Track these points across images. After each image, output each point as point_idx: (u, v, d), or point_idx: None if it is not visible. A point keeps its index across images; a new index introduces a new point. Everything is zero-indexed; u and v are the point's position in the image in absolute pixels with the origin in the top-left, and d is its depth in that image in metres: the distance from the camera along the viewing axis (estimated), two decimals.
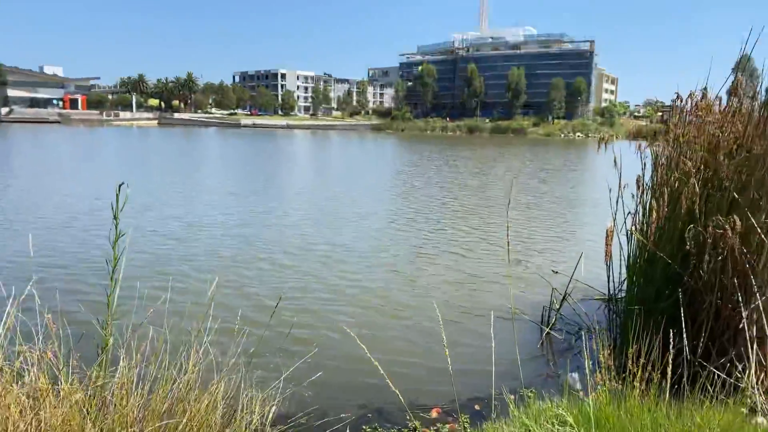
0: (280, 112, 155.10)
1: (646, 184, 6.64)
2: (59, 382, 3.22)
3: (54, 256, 10.64)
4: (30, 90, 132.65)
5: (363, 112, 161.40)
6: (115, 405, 3.15)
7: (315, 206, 18.85)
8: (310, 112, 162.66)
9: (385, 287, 9.66)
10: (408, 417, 5.02)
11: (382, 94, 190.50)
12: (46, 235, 12.55)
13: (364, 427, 5.00)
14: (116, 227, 3.43)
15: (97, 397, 3.26)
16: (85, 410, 3.05)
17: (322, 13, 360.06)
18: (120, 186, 3.34)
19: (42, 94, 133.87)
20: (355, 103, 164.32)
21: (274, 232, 14.07)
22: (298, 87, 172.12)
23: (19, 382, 3.06)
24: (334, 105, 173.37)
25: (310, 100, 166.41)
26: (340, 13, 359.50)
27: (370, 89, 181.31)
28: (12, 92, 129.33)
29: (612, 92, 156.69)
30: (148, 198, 18.60)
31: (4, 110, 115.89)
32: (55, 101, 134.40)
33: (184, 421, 3.14)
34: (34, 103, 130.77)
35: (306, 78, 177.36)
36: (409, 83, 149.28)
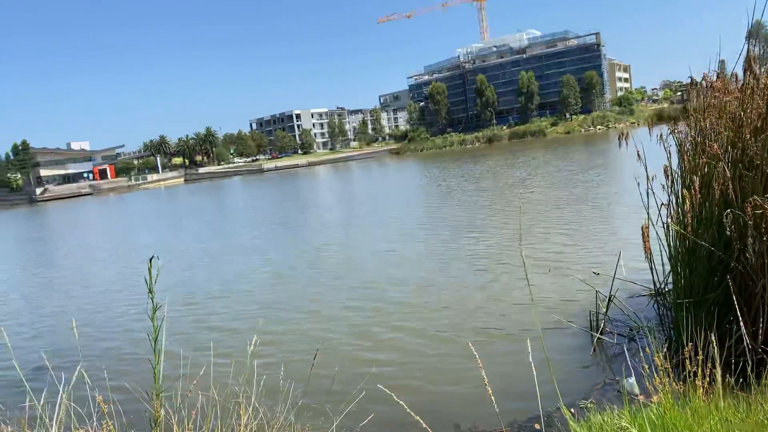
0: (299, 152, 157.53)
1: (675, 173, 6.47)
2: None
3: (97, 335, 10.89)
4: (60, 167, 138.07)
5: (380, 138, 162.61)
6: None
7: (341, 241, 18.92)
8: (329, 146, 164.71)
9: (418, 309, 9.57)
10: None
11: (396, 119, 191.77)
12: (87, 316, 12.86)
13: None
14: (152, 300, 3.49)
15: None
16: None
17: (327, 50, 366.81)
18: (151, 259, 3.40)
19: (72, 169, 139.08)
20: (370, 131, 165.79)
21: (298, 274, 14.15)
22: (314, 125, 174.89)
23: None
24: (350, 136, 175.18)
25: (326, 135, 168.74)
26: (344, 48, 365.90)
27: (383, 115, 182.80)
28: (44, 172, 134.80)
29: (626, 80, 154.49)
30: (174, 261, 18.96)
31: (39, 190, 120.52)
32: (85, 174, 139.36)
33: None
34: (65, 179, 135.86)
35: (320, 115, 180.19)
36: (421, 103, 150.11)
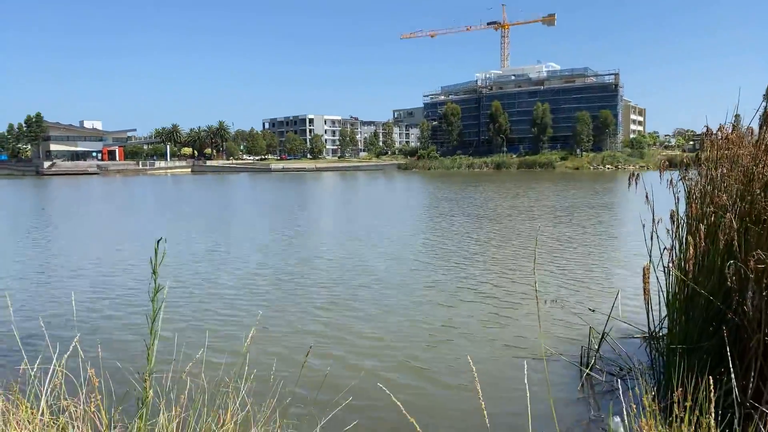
0: (308, 156, 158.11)
1: (681, 218, 6.50)
2: None
3: (95, 311, 10.90)
4: (71, 144, 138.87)
5: (389, 152, 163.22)
6: None
7: (342, 248, 18.96)
8: (338, 154, 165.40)
9: (414, 329, 9.57)
10: None
11: (408, 134, 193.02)
12: (86, 291, 12.88)
13: None
14: (155, 281, 3.53)
15: None
16: None
17: (347, 56, 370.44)
18: (158, 241, 3.44)
19: (82, 147, 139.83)
20: (381, 143, 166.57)
21: (305, 276, 14.18)
22: (326, 131, 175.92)
23: None
24: (361, 146, 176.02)
25: (337, 142, 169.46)
26: (364, 57, 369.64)
27: (395, 130, 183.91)
28: (54, 146, 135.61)
29: (640, 123, 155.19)
30: (183, 248, 18.99)
31: (47, 164, 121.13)
32: (94, 153, 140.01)
33: None
34: (74, 156, 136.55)
35: (333, 122, 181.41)
36: (434, 122, 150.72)
